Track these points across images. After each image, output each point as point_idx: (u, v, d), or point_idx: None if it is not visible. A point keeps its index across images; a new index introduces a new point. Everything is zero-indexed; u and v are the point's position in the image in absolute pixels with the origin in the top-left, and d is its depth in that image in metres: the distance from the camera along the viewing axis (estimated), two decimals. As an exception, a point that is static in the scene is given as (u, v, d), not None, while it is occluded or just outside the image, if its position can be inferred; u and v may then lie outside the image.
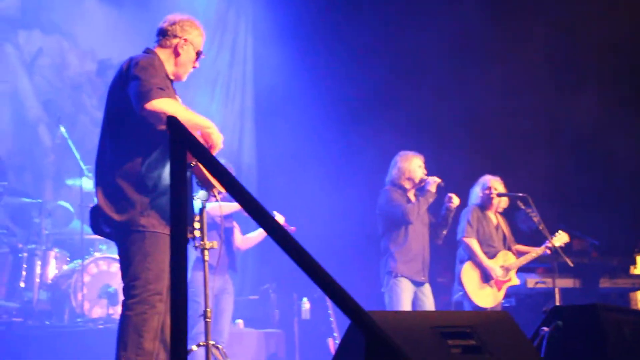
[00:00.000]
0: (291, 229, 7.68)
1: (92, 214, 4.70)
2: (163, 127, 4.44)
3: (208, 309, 4.83)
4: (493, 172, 8.85)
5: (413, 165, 8.07)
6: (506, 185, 8.77)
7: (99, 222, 4.68)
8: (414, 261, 7.88)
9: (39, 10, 10.35)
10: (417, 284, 7.87)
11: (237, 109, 12.24)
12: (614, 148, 11.15)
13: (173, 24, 4.94)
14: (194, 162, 4.47)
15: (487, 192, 8.54)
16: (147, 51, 4.91)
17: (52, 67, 10.54)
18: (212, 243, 5.01)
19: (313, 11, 11.86)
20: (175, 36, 4.91)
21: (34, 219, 8.68)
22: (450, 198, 8.00)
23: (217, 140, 4.77)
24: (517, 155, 11.02)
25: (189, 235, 4.73)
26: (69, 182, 8.96)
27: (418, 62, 11.52)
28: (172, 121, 3.16)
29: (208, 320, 4.82)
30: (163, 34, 4.93)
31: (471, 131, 11.33)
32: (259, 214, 3.03)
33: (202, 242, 4.91)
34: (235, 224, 7.83)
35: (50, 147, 9.85)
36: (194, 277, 7.27)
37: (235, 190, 3.07)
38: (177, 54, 4.91)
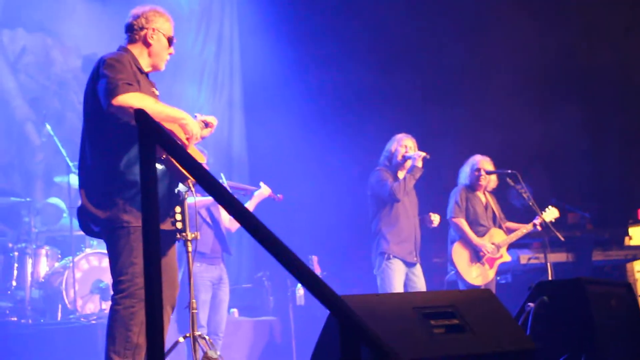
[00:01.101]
0: (278, 196, 7.69)
1: (79, 214, 4.73)
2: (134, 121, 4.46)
3: (193, 300, 4.82)
4: (484, 149, 8.86)
5: (406, 143, 8.07)
6: (496, 162, 8.78)
7: (87, 221, 4.71)
8: (406, 242, 7.89)
9: (22, 9, 10.30)
10: (409, 265, 7.87)
11: (226, 100, 12.21)
12: (605, 119, 11.17)
13: (137, 17, 4.94)
14: (164, 155, 4.46)
15: (476, 173, 8.54)
16: (120, 49, 4.90)
17: (37, 65, 10.50)
18: (195, 234, 5.01)
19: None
20: (142, 28, 4.91)
21: (24, 218, 8.67)
22: (430, 219, 8.03)
23: (194, 129, 4.74)
24: (508, 131, 11.01)
25: (171, 227, 4.75)
26: (57, 179, 8.95)
27: (407, 52, 11.52)
28: (140, 115, 3.14)
29: (194, 311, 4.81)
30: (130, 30, 4.93)
31: (458, 114, 11.33)
32: (230, 205, 3.00)
33: (184, 234, 4.90)
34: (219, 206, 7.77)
35: (38, 145, 9.83)
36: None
37: (206, 181, 3.05)
38: (147, 44, 4.90)
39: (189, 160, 3.12)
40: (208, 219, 7.41)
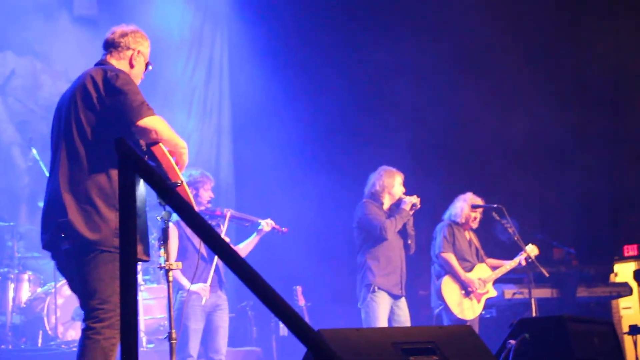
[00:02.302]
0: (283, 230, 7.61)
1: (56, 228, 4.54)
2: (151, 141, 4.51)
3: (172, 331, 4.76)
4: (470, 187, 8.90)
5: (396, 182, 8.09)
6: (482, 196, 8.81)
7: (59, 237, 4.53)
8: (393, 274, 7.86)
9: (12, 31, 10.30)
10: (395, 297, 7.84)
11: (214, 125, 12.18)
12: (592, 156, 11.19)
13: (124, 35, 4.92)
14: (180, 181, 4.50)
15: (472, 211, 8.59)
16: (102, 62, 4.87)
17: (25, 88, 10.49)
18: (177, 264, 4.97)
19: (288, 26, 11.87)
20: (128, 48, 4.89)
21: (7, 242, 8.63)
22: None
23: (186, 161, 4.74)
24: (496, 167, 11.04)
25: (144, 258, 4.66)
26: (41, 204, 8.89)
27: (395, 76, 11.54)
28: (121, 144, 3.13)
29: (173, 342, 4.75)
30: (114, 46, 4.90)
31: (448, 148, 11.35)
32: (209, 236, 2.97)
33: (166, 263, 4.86)
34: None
35: (24, 169, 9.79)
36: (179, 296, 7.28)
37: (185, 212, 3.03)
38: (132, 66, 4.90)
39: (169, 191, 3.10)
40: (200, 247, 7.29)
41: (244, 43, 12.01)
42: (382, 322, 7.68)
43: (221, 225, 7.41)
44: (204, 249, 7.22)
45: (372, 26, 11.79)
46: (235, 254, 2.91)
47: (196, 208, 7.38)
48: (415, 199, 7.92)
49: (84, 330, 4.47)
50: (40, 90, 10.58)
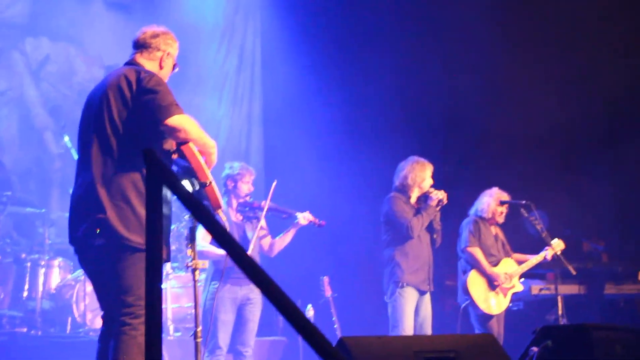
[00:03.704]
0: (321, 222, 7.58)
1: (92, 224, 4.56)
2: (180, 140, 4.56)
3: (198, 329, 4.80)
4: (502, 182, 8.88)
5: (426, 175, 8.05)
6: (514, 189, 8.81)
7: (92, 233, 4.55)
8: (421, 270, 7.87)
9: (47, 17, 10.38)
10: (422, 293, 7.87)
11: (245, 113, 12.22)
12: (625, 153, 11.10)
13: (156, 36, 4.96)
14: (208, 181, 4.54)
15: (499, 206, 8.57)
16: (132, 62, 4.91)
17: (59, 73, 10.58)
18: (204, 263, 5.00)
19: (320, 13, 11.84)
20: (159, 49, 4.94)
21: (38, 229, 8.72)
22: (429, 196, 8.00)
23: (215, 160, 4.78)
24: (524, 161, 10.99)
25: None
26: (72, 191, 8.99)
27: (430, 73, 11.50)
28: (148, 155, 3.17)
29: (198, 340, 4.79)
30: (145, 47, 4.94)
31: (480, 142, 11.31)
32: (230, 247, 3.00)
33: (193, 262, 4.89)
34: (262, 228, 7.59)
35: (56, 154, 9.89)
36: (211, 287, 7.35)
37: (206, 221, 3.06)
38: (161, 67, 4.95)
39: (192, 200, 3.14)
40: (236, 237, 7.30)
41: (276, 30, 12.01)
42: (409, 318, 7.71)
43: (260, 217, 7.45)
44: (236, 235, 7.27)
45: (405, 12, 11.72)
46: (259, 270, 2.92)
47: (235, 200, 7.52)
48: (442, 194, 7.89)
49: (118, 326, 4.49)
50: (74, 75, 10.68)
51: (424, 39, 11.33)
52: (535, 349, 4.75)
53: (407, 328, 7.69)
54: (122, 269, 4.53)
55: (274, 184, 7.44)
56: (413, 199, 8.05)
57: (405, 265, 7.81)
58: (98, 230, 4.54)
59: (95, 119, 4.70)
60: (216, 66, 12.00)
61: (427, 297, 7.93)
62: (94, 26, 10.81)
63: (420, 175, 8.03)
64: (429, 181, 8.05)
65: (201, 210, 3.10)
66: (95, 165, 4.62)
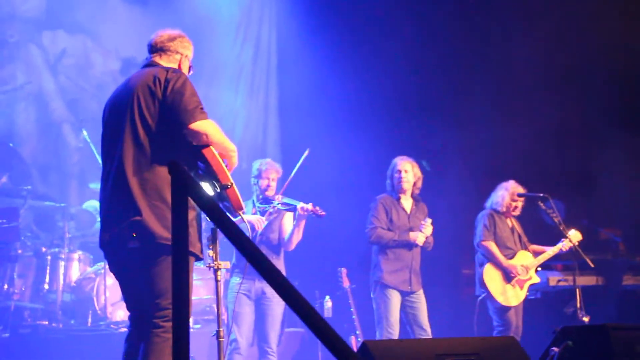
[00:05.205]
0: (322, 213, 7.61)
1: (128, 227, 4.52)
2: (202, 144, 4.57)
3: (220, 329, 4.85)
4: (517, 174, 8.90)
5: (396, 170, 8.27)
6: (532, 182, 8.82)
7: (126, 236, 4.52)
8: (401, 271, 7.96)
9: (63, 11, 10.42)
10: (405, 294, 7.94)
11: (262, 103, 12.24)
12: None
13: (173, 39, 4.99)
14: (229, 183, 4.58)
15: (513, 200, 8.58)
16: (151, 64, 4.91)
17: (77, 66, 10.64)
18: (226, 263, 5.05)
19: (335, 4, 11.82)
20: (177, 52, 4.98)
21: (58, 223, 8.79)
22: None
23: (236, 163, 4.82)
24: (541, 153, 10.98)
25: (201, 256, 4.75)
26: (92, 185, 9.07)
27: (447, 61, 11.49)
28: (174, 167, 3.20)
29: (221, 340, 4.84)
30: (164, 50, 4.96)
31: (492, 130, 11.29)
32: (252, 257, 3.04)
33: (215, 262, 4.94)
34: (285, 221, 7.75)
35: (75, 147, 9.94)
36: (231, 283, 7.52)
37: (226, 228, 3.10)
38: (180, 69, 4.96)
39: (214, 210, 3.17)
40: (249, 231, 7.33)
41: (291, 21, 11.99)
42: (392, 315, 7.85)
43: (274, 209, 7.58)
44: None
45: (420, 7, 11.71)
46: (278, 274, 2.95)
47: (258, 195, 7.72)
48: (423, 237, 7.99)
49: (151, 328, 4.48)
50: (91, 68, 10.73)
51: (447, 27, 11.31)
52: (555, 349, 4.78)
53: (390, 324, 7.83)
54: (158, 271, 4.50)
55: (306, 152, 7.67)
56: (404, 199, 8.22)
57: (385, 265, 7.97)
58: (134, 234, 4.52)
59: (126, 120, 4.68)
60: (232, 57, 12.00)
61: (418, 295, 8.01)
62: (110, 19, 10.86)
63: (395, 170, 8.29)
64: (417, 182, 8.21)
65: (222, 219, 3.15)
66: (128, 167, 4.60)
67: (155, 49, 5.00)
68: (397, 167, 8.24)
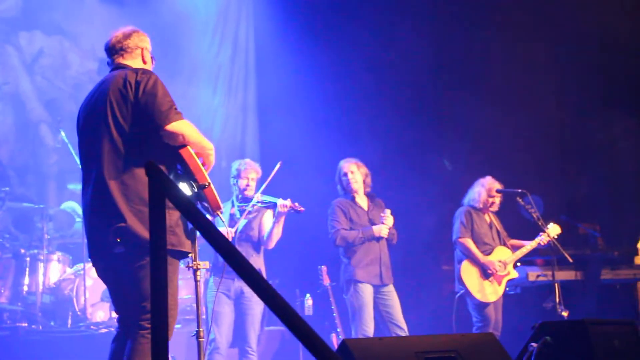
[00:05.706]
0: (300, 209, 7.61)
1: (112, 233, 4.49)
2: (178, 144, 4.56)
3: (200, 329, 4.85)
4: (493, 170, 8.92)
5: (343, 173, 8.30)
6: (510, 176, 8.86)
7: (112, 242, 4.50)
8: (372, 265, 7.96)
9: (40, 11, 10.38)
10: (377, 287, 7.95)
11: (240, 102, 12.22)
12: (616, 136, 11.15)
13: (129, 36, 4.96)
14: (207, 183, 4.57)
15: (489, 196, 8.61)
16: (118, 66, 4.88)
17: (53, 67, 10.59)
18: (205, 263, 5.03)
19: (313, 3, 11.82)
20: (137, 47, 4.95)
21: (37, 224, 8.75)
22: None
23: (213, 162, 4.82)
24: (518, 151, 11.04)
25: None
26: (71, 186, 9.06)
27: (425, 61, 11.51)
28: (151, 168, 3.20)
29: (201, 340, 4.84)
30: (123, 49, 4.93)
31: (472, 127, 11.33)
32: (227, 254, 3.03)
33: (195, 262, 4.93)
34: (264, 219, 7.77)
35: (53, 147, 9.90)
36: (210, 282, 7.55)
37: (207, 233, 3.09)
38: (144, 62, 4.97)
39: (189, 210, 3.17)
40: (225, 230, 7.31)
41: (269, 20, 12.00)
42: (366, 312, 7.83)
43: (252, 208, 7.59)
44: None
45: (398, 3, 11.74)
46: (255, 274, 2.95)
47: (238, 195, 7.74)
48: (384, 231, 8.00)
49: (137, 329, 4.49)
50: (68, 69, 10.69)
51: (419, 28, 11.34)
52: (534, 344, 4.81)
53: (365, 321, 7.81)
54: (144, 275, 4.46)
55: (278, 165, 7.63)
56: (358, 198, 8.24)
57: (355, 261, 7.94)
58: (119, 239, 4.50)
59: (101, 126, 4.67)
60: (210, 56, 11.99)
61: (389, 288, 8.01)
62: (87, 19, 10.81)
63: (341, 172, 8.35)
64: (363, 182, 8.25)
65: (199, 220, 3.14)
66: (107, 172, 4.58)
67: (114, 50, 4.96)
68: (342, 170, 8.31)
